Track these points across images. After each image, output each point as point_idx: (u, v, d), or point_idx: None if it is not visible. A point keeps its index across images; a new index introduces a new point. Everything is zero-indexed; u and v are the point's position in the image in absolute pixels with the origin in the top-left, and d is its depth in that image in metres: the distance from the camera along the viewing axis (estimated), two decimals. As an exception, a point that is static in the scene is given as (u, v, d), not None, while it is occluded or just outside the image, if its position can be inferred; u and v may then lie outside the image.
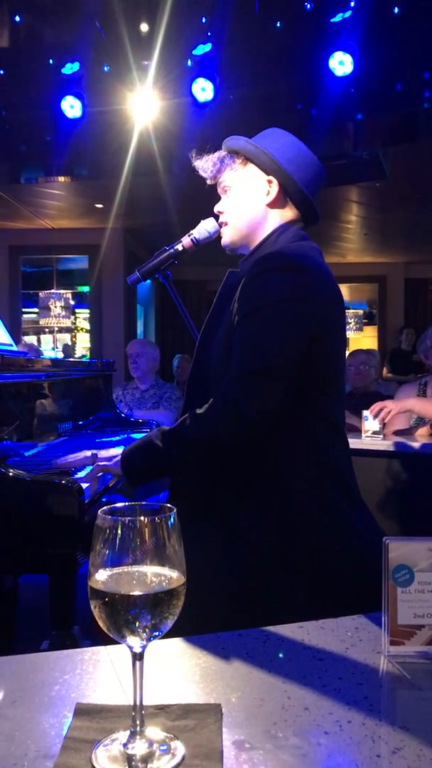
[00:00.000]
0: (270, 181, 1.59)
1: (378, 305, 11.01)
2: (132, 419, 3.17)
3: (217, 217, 1.72)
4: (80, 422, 2.74)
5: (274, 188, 1.59)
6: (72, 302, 9.22)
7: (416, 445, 3.06)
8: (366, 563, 1.38)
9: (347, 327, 10.70)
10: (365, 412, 3.22)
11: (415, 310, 10.84)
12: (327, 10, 4.12)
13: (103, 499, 1.87)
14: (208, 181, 1.67)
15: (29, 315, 9.22)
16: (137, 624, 0.66)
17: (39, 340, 9.15)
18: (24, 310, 9.06)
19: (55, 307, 9.05)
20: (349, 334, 10.81)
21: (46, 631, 1.75)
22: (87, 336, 9.03)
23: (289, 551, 1.39)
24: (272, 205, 1.60)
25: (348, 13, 4.04)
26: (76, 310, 9.38)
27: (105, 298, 8.44)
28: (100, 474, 1.66)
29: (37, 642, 1.76)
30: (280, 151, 1.58)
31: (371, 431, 3.17)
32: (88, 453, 1.73)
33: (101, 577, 0.67)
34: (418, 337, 8.80)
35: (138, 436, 2.77)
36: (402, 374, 8.28)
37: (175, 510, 0.69)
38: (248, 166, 1.61)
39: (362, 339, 10.96)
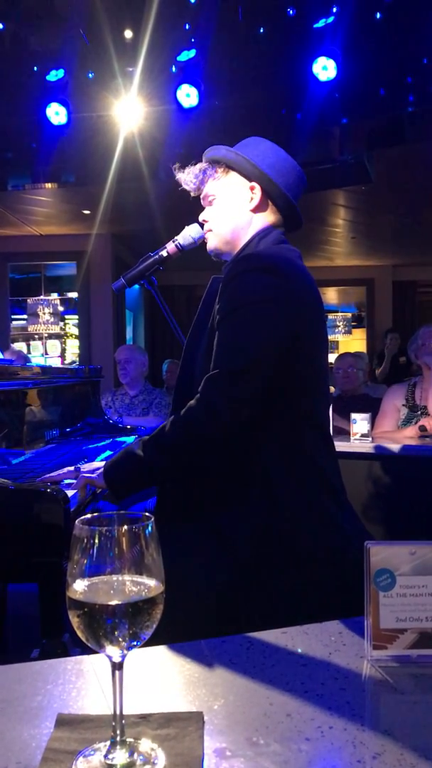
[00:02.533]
0: (252, 187, 1.61)
1: (366, 308, 11.04)
2: (121, 425, 3.17)
3: (202, 225, 1.73)
4: (68, 429, 2.74)
5: (257, 194, 1.60)
6: (61, 308, 9.20)
7: (405, 448, 3.07)
8: (352, 566, 1.38)
9: (336, 330, 10.79)
10: (354, 415, 3.23)
11: (403, 312, 10.88)
12: (310, 16, 4.14)
13: (88, 509, 1.86)
14: (192, 193, 1.68)
15: (18, 322, 9.19)
16: (116, 633, 0.66)
17: (28, 347, 9.12)
18: (13, 316, 9.03)
19: (44, 313, 9.02)
20: (338, 336, 10.84)
21: (36, 639, 1.74)
22: (77, 342, 9.01)
23: (275, 554, 1.39)
24: (256, 210, 1.62)
25: (331, 19, 4.06)
26: (65, 316, 9.35)
27: (93, 304, 8.43)
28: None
29: (28, 650, 1.76)
30: (260, 157, 1.60)
31: (360, 434, 3.18)
32: (71, 468, 1.74)
33: (79, 587, 0.67)
34: (404, 341, 8.83)
35: (126, 439, 2.77)
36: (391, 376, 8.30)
37: (152, 519, 0.69)
38: (230, 174, 1.63)
39: (351, 342, 10.99)
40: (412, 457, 3.03)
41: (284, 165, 1.62)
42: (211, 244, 1.69)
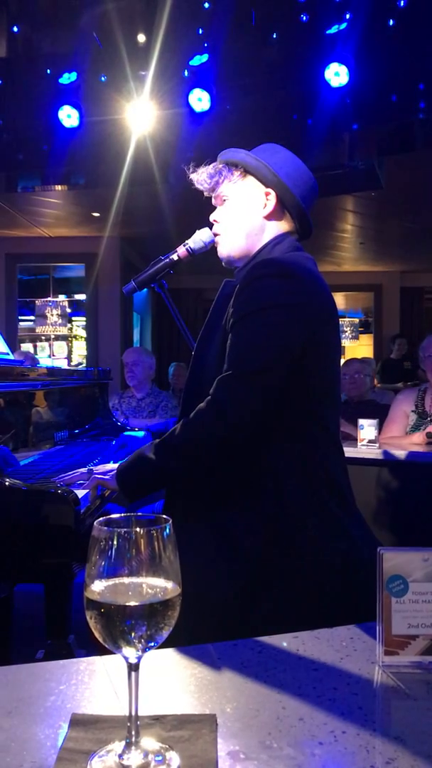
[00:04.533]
0: (268, 194, 1.60)
1: (374, 314, 11.04)
2: (128, 428, 3.18)
3: (212, 226, 1.73)
4: (76, 430, 2.75)
5: (272, 200, 1.60)
6: (68, 310, 9.23)
7: (412, 454, 3.06)
8: (360, 571, 1.38)
9: (343, 335, 10.79)
10: (361, 421, 3.23)
11: (410, 318, 10.88)
12: (323, 22, 4.15)
13: (98, 511, 1.87)
14: (205, 193, 1.68)
15: (26, 323, 9.22)
16: (133, 635, 0.66)
17: (35, 348, 9.15)
18: (20, 318, 9.06)
19: (52, 315, 9.05)
20: (345, 342, 10.83)
21: (41, 640, 1.75)
22: (83, 344, 9.03)
23: (285, 558, 1.40)
24: (269, 217, 1.62)
25: (344, 25, 4.07)
26: (73, 318, 9.38)
27: (101, 306, 8.45)
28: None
29: (33, 651, 1.76)
30: (279, 165, 1.60)
31: (367, 440, 3.18)
32: (84, 470, 1.75)
33: (97, 587, 0.67)
34: (411, 347, 8.76)
35: (134, 433, 2.77)
36: (391, 383, 8.29)
37: (170, 521, 0.69)
38: (247, 179, 1.63)
39: (358, 347, 10.99)
40: (419, 463, 3.02)
41: (300, 174, 1.63)
42: (223, 250, 1.67)
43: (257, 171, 1.61)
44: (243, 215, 1.62)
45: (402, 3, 4.00)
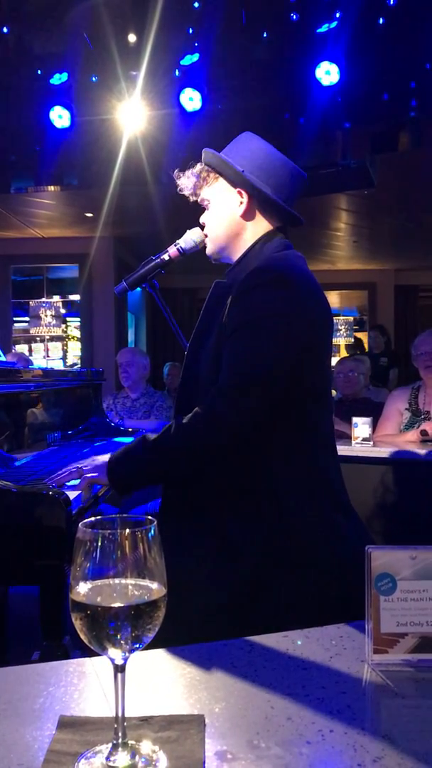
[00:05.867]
0: (240, 193, 1.59)
1: (368, 312, 11.06)
2: (122, 428, 3.17)
3: (203, 227, 1.73)
4: (70, 431, 2.74)
5: (245, 199, 1.59)
6: (63, 311, 9.22)
7: (405, 452, 3.07)
8: (354, 572, 1.38)
9: (338, 334, 10.81)
10: (355, 419, 3.23)
11: (405, 316, 10.90)
12: (313, 21, 4.15)
13: (89, 512, 1.87)
14: (191, 199, 1.68)
15: (20, 324, 9.21)
16: (118, 636, 0.66)
17: (30, 349, 9.14)
18: (15, 319, 9.05)
19: (46, 315, 9.05)
20: (340, 340, 10.85)
21: (37, 641, 1.74)
22: (78, 344, 9.03)
23: (280, 562, 1.39)
24: (247, 216, 1.60)
25: (334, 24, 4.08)
26: (67, 319, 9.37)
27: (95, 307, 8.45)
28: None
29: (29, 652, 1.76)
30: (247, 160, 1.57)
31: (361, 438, 3.18)
32: (73, 468, 1.73)
33: (82, 589, 0.67)
34: (385, 338, 8.37)
35: (124, 440, 2.77)
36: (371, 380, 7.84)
37: (155, 522, 0.69)
38: (219, 180, 1.62)
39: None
40: (413, 461, 3.03)
41: (274, 165, 1.59)
42: (209, 249, 1.70)
43: (223, 172, 1.60)
44: (221, 217, 1.62)
45: (392, 1, 4.01)
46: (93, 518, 0.71)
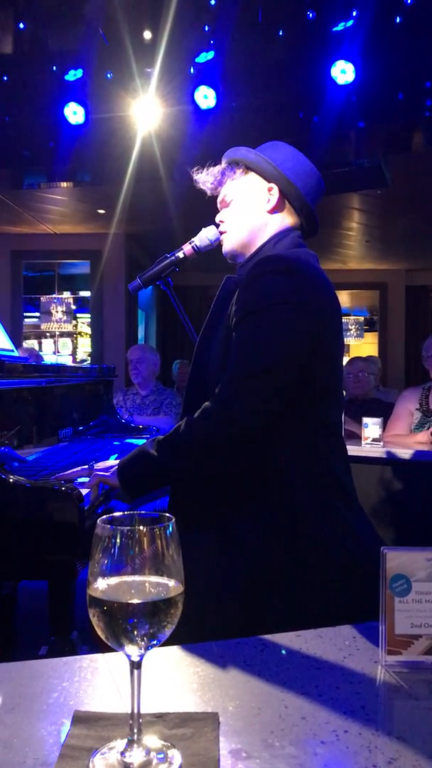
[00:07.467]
0: (270, 189, 1.61)
1: (379, 312, 11.02)
2: (132, 425, 3.18)
3: (218, 226, 1.73)
4: (80, 428, 2.75)
5: (275, 195, 1.61)
6: (73, 307, 9.24)
7: (416, 452, 3.06)
8: (364, 571, 1.38)
9: (348, 334, 10.77)
10: (365, 419, 3.22)
11: (416, 317, 10.85)
12: (329, 20, 4.14)
13: (101, 508, 1.87)
14: (209, 193, 1.69)
15: (30, 319, 9.23)
16: (135, 633, 0.66)
17: (40, 345, 9.16)
18: (25, 314, 9.07)
19: (57, 311, 9.07)
20: (350, 340, 10.81)
21: (44, 636, 1.75)
22: (88, 341, 9.04)
23: (289, 559, 1.39)
24: (273, 211, 1.62)
25: (350, 23, 4.06)
26: (78, 315, 9.39)
27: (106, 303, 8.45)
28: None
29: (36, 647, 1.76)
30: (280, 160, 1.61)
31: (371, 438, 3.18)
32: (85, 466, 1.74)
33: (100, 585, 0.67)
34: (417, 345, 8.45)
35: (137, 441, 2.78)
36: None
37: (173, 519, 0.69)
38: (249, 175, 1.64)
39: (363, 346, 10.97)
40: (423, 462, 3.02)
41: (303, 169, 1.63)
42: (227, 246, 1.69)
43: (258, 166, 1.62)
44: (247, 211, 1.63)
45: (409, 0, 3.99)
46: (113, 514, 0.71)
